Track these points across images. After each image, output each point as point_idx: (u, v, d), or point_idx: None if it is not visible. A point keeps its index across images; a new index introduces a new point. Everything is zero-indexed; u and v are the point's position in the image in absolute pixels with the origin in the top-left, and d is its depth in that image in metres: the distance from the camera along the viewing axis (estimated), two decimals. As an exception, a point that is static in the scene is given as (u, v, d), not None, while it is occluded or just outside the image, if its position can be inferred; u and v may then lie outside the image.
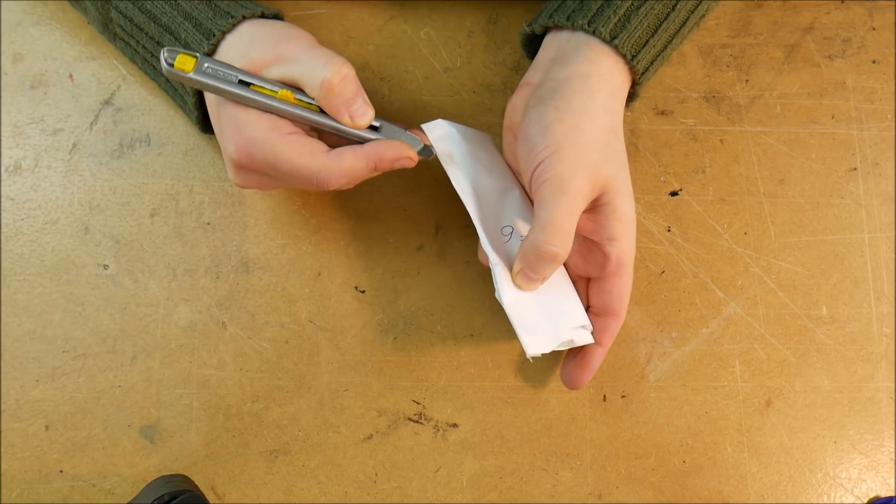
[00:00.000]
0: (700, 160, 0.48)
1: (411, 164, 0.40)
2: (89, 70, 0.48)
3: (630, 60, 0.40)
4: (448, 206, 0.47)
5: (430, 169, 0.47)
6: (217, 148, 0.47)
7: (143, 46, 0.43)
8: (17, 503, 0.43)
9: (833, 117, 0.48)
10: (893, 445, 0.45)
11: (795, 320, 0.46)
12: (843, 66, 0.49)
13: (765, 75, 0.49)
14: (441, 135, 0.42)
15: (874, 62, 0.49)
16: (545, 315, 0.40)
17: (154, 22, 0.40)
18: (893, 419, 0.45)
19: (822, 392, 0.45)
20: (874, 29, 0.50)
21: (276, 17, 0.42)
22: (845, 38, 0.50)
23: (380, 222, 0.46)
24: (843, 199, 0.47)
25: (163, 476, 0.42)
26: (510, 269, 0.40)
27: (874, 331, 0.46)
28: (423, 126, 0.41)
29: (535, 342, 0.39)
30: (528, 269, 0.38)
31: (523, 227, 0.41)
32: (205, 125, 0.44)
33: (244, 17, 0.39)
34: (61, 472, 0.43)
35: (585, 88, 0.39)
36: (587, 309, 0.41)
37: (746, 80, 0.49)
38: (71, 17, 0.48)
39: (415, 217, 0.46)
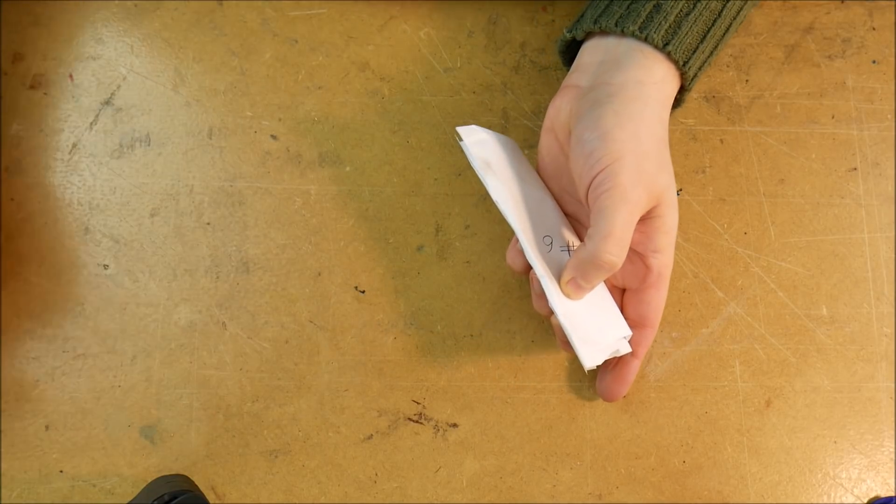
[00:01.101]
0: (700, 160, 0.48)
1: None
2: (89, 70, 0.48)
3: (682, 67, 0.39)
4: (448, 206, 0.47)
5: (430, 169, 0.47)
6: (218, 147, 0.47)
7: None
8: (17, 503, 0.43)
9: (833, 117, 0.48)
10: (893, 445, 0.45)
11: (795, 320, 0.46)
12: (843, 66, 0.49)
13: (765, 75, 0.49)
14: (477, 140, 0.41)
15: (874, 62, 0.49)
16: (595, 325, 0.40)
17: None
18: (893, 419, 0.45)
19: (822, 392, 0.45)
20: (874, 29, 0.50)
21: None
22: (845, 38, 0.50)
23: (380, 222, 0.46)
24: (843, 199, 0.47)
25: (163, 476, 0.42)
26: (556, 278, 0.40)
27: (874, 331, 0.46)
28: (459, 129, 0.41)
29: (592, 353, 0.39)
30: (581, 278, 0.38)
31: (563, 237, 0.41)
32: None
33: None
34: (61, 472, 0.43)
35: (641, 96, 0.38)
36: None
37: (746, 80, 0.49)
38: (71, 17, 0.48)
39: (415, 217, 0.46)
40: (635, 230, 0.39)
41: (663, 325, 0.46)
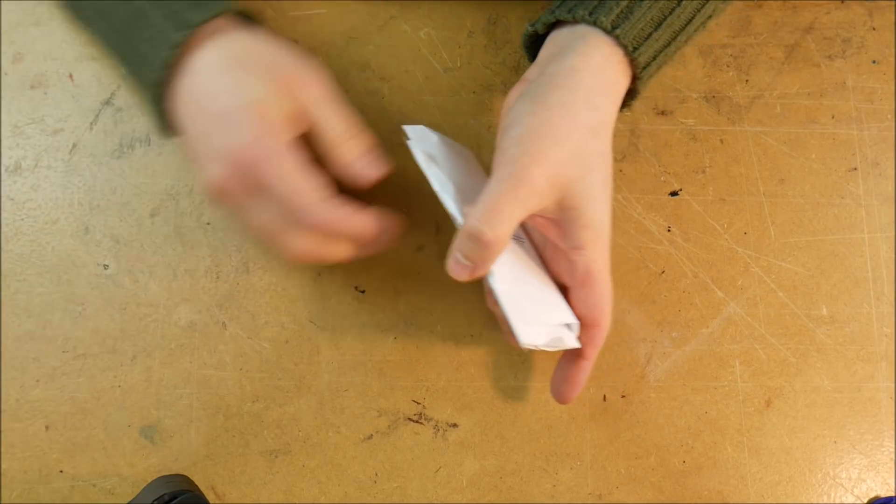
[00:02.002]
0: (700, 160, 0.48)
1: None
2: (89, 70, 0.48)
3: (632, 52, 0.38)
4: (448, 206, 0.47)
5: (430, 169, 0.47)
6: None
7: (113, 30, 0.39)
8: (17, 503, 0.43)
9: (833, 117, 0.48)
10: (893, 445, 0.45)
11: (795, 320, 0.46)
12: (843, 66, 0.49)
13: (765, 75, 0.49)
14: (421, 137, 0.42)
15: (874, 62, 0.49)
16: (536, 308, 0.39)
17: (126, 4, 0.38)
18: (893, 419, 0.45)
19: (822, 392, 0.45)
20: (874, 29, 0.50)
21: (251, 16, 0.41)
22: (845, 38, 0.50)
23: (380, 222, 0.46)
24: (843, 199, 0.47)
25: (163, 476, 0.42)
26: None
27: (874, 331, 0.46)
28: (405, 128, 0.41)
29: (529, 332, 0.38)
30: (459, 252, 0.37)
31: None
32: (161, 124, 0.40)
33: (221, 12, 0.38)
34: (61, 472, 0.43)
35: (569, 83, 0.38)
36: None
37: (746, 80, 0.49)
38: (71, 17, 0.48)
39: (415, 217, 0.46)
40: (551, 224, 0.38)
41: (663, 326, 0.46)
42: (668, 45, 0.40)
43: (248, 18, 0.41)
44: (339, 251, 0.39)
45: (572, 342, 0.40)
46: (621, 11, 0.38)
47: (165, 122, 0.39)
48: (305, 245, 0.38)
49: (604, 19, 0.38)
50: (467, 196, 0.40)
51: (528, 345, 0.38)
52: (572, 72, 0.38)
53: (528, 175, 0.36)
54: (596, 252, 0.38)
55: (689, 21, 0.40)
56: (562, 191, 0.36)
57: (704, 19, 0.41)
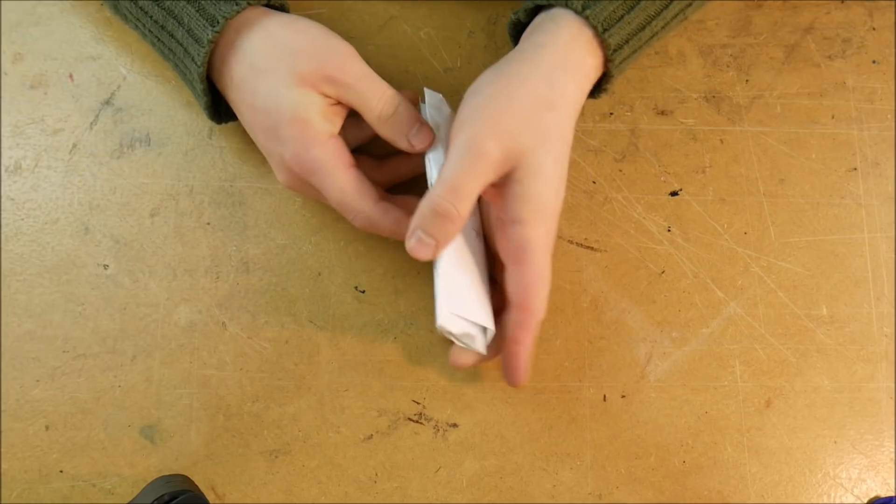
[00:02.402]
0: (700, 160, 0.48)
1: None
2: (89, 70, 0.48)
3: (602, 33, 0.38)
4: (448, 206, 0.46)
5: (430, 169, 0.47)
6: (218, 147, 0.47)
7: (150, 30, 0.42)
8: (17, 503, 0.43)
9: (833, 117, 0.48)
10: (893, 445, 0.45)
11: (795, 320, 0.46)
12: (843, 66, 0.49)
13: (765, 75, 0.49)
14: (436, 105, 0.43)
15: (874, 62, 0.49)
16: (464, 300, 0.40)
17: (157, 4, 0.40)
18: (893, 419, 0.45)
19: (822, 392, 0.45)
20: (874, 29, 0.50)
21: (282, 6, 0.43)
22: (845, 38, 0.50)
23: (380, 222, 0.46)
24: (843, 199, 0.47)
25: (163, 476, 0.42)
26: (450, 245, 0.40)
27: (874, 331, 0.46)
28: (426, 90, 0.43)
29: (448, 318, 0.39)
30: (421, 229, 0.37)
31: (478, 218, 0.42)
32: (215, 112, 0.43)
33: (249, 4, 0.39)
34: (61, 472, 0.43)
35: (533, 57, 0.38)
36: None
37: (746, 80, 0.49)
38: (71, 17, 0.48)
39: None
40: (496, 194, 0.39)
41: (663, 326, 0.46)
42: (641, 28, 0.40)
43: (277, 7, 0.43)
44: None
45: (481, 346, 0.41)
46: None
47: (220, 110, 0.44)
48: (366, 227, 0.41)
49: (576, 1, 0.38)
50: None
51: (443, 329, 0.39)
52: (537, 47, 0.38)
53: (483, 148, 0.36)
54: (534, 229, 0.37)
55: (666, 7, 0.40)
56: (513, 162, 0.37)
57: (683, 7, 0.41)
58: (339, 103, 0.41)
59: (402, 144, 0.41)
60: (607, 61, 0.40)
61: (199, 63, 0.39)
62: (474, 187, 0.36)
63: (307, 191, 0.42)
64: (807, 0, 0.50)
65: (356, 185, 0.40)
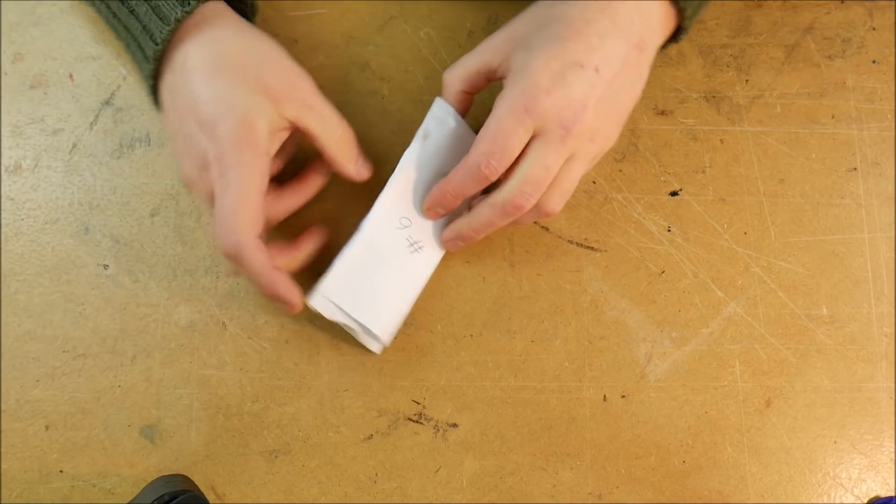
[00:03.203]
0: (700, 160, 0.48)
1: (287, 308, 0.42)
2: (89, 70, 0.48)
3: None
4: (448, 206, 0.46)
5: (430, 169, 0.47)
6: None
7: (108, 5, 0.41)
8: (17, 503, 0.43)
9: (833, 117, 0.48)
10: (893, 445, 0.45)
11: (795, 320, 0.46)
12: (843, 66, 0.49)
13: (765, 75, 0.49)
14: (438, 115, 0.43)
15: (874, 62, 0.49)
16: (361, 293, 0.42)
17: None
18: (893, 419, 0.45)
19: (822, 392, 0.45)
20: (874, 29, 0.50)
21: (253, 4, 0.43)
22: (845, 38, 0.50)
23: (380, 222, 0.46)
24: (843, 199, 0.47)
25: (163, 476, 0.42)
26: (377, 248, 0.42)
27: (874, 331, 0.46)
28: (438, 100, 0.43)
29: (324, 305, 0.42)
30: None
31: (420, 233, 0.43)
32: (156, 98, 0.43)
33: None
34: (61, 472, 0.43)
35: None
36: None
37: (746, 80, 0.49)
38: (71, 17, 0.48)
39: (415, 217, 0.46)
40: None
41: (663, 326, 0.46)
42: None
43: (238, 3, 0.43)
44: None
45: (373, 347, 0.43)
46: None
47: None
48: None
49: None
50: (422, 185, 0.43)
51: (315, 306, 0.41)
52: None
53: (490, 40, 0.41)
54: (504, 93, 0.39)
55: None
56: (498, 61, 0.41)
57: None
58: (284, 129, 0.40)
59: (349, 170, 0.42)
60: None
61: (158, 41, 0.39)
62: (468, 63, 0.42)
63: (199, 191, 0.40)
64: (807, 0, 0.50)
65: (254, 209, 0.38)
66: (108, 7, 0.41)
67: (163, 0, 0.39)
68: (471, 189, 0.41)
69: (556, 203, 0.41)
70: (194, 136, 0.39)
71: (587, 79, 0.38)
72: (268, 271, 0.39)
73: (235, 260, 0.38)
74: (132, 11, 0.40)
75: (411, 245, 0.43)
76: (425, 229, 0.44)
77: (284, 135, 0.41)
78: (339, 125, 0.42)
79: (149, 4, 0.39)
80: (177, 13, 0.38)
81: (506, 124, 0.39)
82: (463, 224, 0.42)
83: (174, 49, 0.39)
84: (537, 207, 0.41)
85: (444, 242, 0.44)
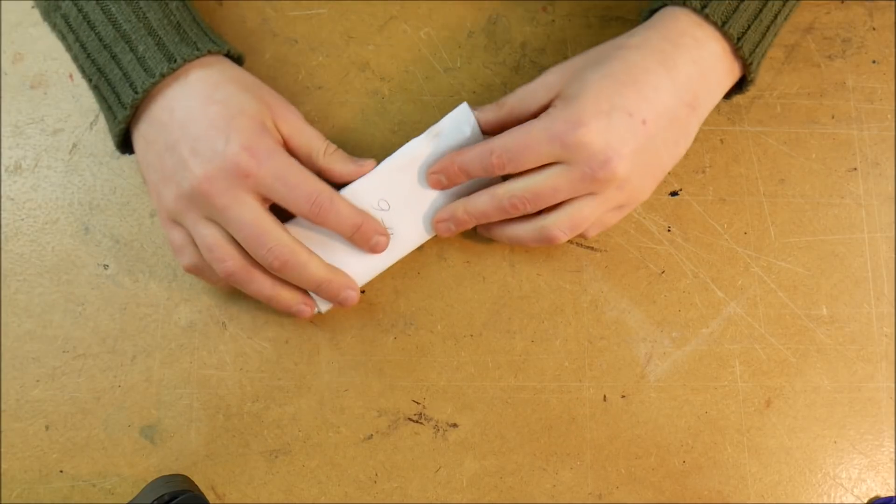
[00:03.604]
0: (700, 160, 0.48)
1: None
2: (89, 70, 0.48)
3: (721, 27, 0.39)
4: (448, 206, 0.46)
5: (430, 169, 0.47)
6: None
7: (83, 44, 0.40)
8: (17, 503, 0.43)
9: (833, 117, 0.48)
10: (893, 445, 0.45)
11: (795, 320, 0.46)
12: (843, 66, 0.49)
13: (765, 75, 0.49)
14: (457, 119, 0.43)
15: (874, 62, 0.49)
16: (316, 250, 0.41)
17: (112, 25, 0.39)
18: (893, 419, 0.45)
19: (822, 392, 0.45)
20: (874, 29, 0.50)
21: (239, 57, 0.43)
22: (845, 38, 0.50)
23: (380, 222, 0.46)
24: (843, 199, 0.47)
25: (163, 476, 0.42)
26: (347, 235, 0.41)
27: (874, 331, 0.46)
28: (464, 103, 0.43)
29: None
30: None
31: (397, 216, 0.43)
32: (123, 146, 0.42)
33: (209, 52, 0.40)
34: (61, 472, 0.43)
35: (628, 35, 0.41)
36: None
37: (746, 80, 0.49)
38: (71, 17, 0.48)
39: (415, 217, 0.46)
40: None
41: (663, 326, 0.46)
42: (760, 12, 0.40)
43: (234, 58, 0.43)
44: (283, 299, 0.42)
45: (322, 307, 0.43)
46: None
47: (126, 140, 0.42)
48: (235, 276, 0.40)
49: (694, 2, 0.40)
50: (409, 178, 0.43)
51: None
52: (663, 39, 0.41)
53: (546, 76, 0.42)
54: (548, 113, 0.39)
55: None
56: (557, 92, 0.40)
57: None
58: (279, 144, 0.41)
59: (348, 168, 0.42)
60: (737, 53, 0.40)
61: (139, 91, 0.38)
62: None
63: (199, 206, 0.39)
64: (807, 0, 0.50)
65: (309, 173, 0.39)
66: (84, 48, 0.40)
67: (149, 52, 0.39)
68: (475, 170, 0.41)
69: (560, 229, 0.41)
70: (205, 140, 0.38)
71: (631, 128, 0.38)
72: (361, 212, 0.41)
73: (325, 213, 0.39)
74: (114, 57, 0.39)
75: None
76: (401, 219, 0.43)
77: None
78: (323, 140, 0.42)
79: (134, 55, 0.39)
80: (162, 68, 0.38)
81: (534, 138, 0.39)
82: (459, 206, 0.42)
83: (167, 83, 0.39)
84: (540, 230, 0.41)
85: (435, 224, 0.43)
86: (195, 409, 0.44)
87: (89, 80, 0.41)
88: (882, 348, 0.46)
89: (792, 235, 0.47)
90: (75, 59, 0.41)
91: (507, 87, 0.48)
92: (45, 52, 0.48)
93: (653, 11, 0.42)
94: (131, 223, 0.46)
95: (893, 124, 0.48)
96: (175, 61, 0.38)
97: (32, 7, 0.48)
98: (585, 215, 0.40)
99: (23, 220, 0.46)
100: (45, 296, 0.45)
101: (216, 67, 0.40)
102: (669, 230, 0.47)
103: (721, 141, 0.48)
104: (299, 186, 0.39)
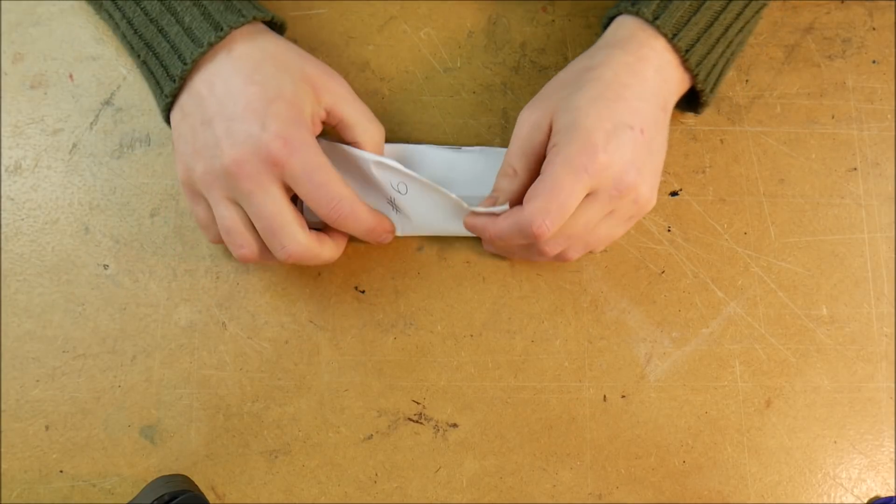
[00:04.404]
0: (700, 160, 0.48)
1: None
2: (89, 70, 0.48)
3: (672, 39, 0.40)
4: (448, 206, 0.46)
5: (430, 169, 0.47)
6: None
7: (130, 20, 0.41)
8: (17, 503, 0.43)
9: (833, 117, 0.48)
10: (893, 445, 0.45)
11: (795, 320, 0.46)
12: (843, 66, 0.49)
13: (765, 75, 0.49)
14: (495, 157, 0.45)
15: (874, 62, 0.49)
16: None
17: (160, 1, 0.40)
18: (893, 419, 0.45)
19: (822, 392, 0.45)
20: (874, 29, 0.50)
21: (282, 24, 0.43)
22: (845, 38, 0.50)
23: (380, 222, 0.46)
24: (843, 199, 0.47)
25: (163, 476, 0.42)
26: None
27: (874, 331, 0.46)
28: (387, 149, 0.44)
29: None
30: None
31: (407, 204, 0.43)
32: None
33: (254, 18, 0.40)
34: (61, 472, 0.43)
35: (592, 52, 0.42)
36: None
37: (746, 80, 0.49)
38: (71, 17, 0.48)
39: (415, 217, 0.46)
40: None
41: (663, 326, 0.46)
42: (709, 25, 0.41)
43: (276, 26, 0.43)
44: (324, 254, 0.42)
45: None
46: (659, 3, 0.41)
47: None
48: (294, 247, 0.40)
49: (646, 10, 0.41)
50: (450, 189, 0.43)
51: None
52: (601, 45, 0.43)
53: (527, 113, 0.42)
54: (558, 150, 0.39)
55: (725, 8, 0.41)
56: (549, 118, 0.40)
57: (755, 12, 0.42)
58: (320, 120, 0.41)
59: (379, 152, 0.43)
60: (685, 62, 0.41)
61: (188, 62, 0.39)
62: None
63: (225, 186, 0.39)
64: (807, 0, 0.50)
65: (336, 174, 0.39)
66: (131, 24, 0.41)
67: (196, 23, 0.39)
68: (516, 240, 0.40)
69: (577, 252, 0.43)
70: (240, 121, 0.38)
71: (634, 140, 0.39)
72: (376, 214, 0.42)
73: (343, 221, 0.40)
74: (161, 30, 0.40)
75: (389, 203, 0.44)
76: (411, 209, 0.43)
77: (319, 128, 0.41)
78: (374, 120, 0.43)
79: (181, 26, 0.39)
80: (210, 37, 0.39)
81: (565, 182, 0.38)
82: (489, 228, 0.42)
83: (213, 54, 0.40)
84: (556, 257, 0.43)
85: (465, 223, 0.43)
86: (195, 409, 0.44)
87: (137, 57, 0.41)
88: (882, 348, 0.46)
89: (792, 235, 0.47)
90: (123, 37, 0.42)
91: (507, 87, 0.48)
92: (45, 52, 0.48)
93: (610, 19, 0.43)
94: (131, 223, 0.46)
95: (893, 124, 0.48)
96: (222, 29, 0.39)
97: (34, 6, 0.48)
98: (601, 235, 0.42)
99: (23, 220, 0.46)
100: (45, 296, 0.45)
101: (259, 42, 0.40)
102: (669, 230, 0.47)
103: (721, 141, 0.48)
104: (324, 187, 0.39)
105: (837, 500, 0.44)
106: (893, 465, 0.45)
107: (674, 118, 0.48)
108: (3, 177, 0.46)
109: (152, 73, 0.41)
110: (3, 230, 0.45)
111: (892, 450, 0.45)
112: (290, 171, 0.38)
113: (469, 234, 0.44)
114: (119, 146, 0.47)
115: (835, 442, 0.45)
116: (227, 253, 0.46)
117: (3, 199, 0.46)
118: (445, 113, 0.48)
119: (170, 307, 0.45)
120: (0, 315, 0.44)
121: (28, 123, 0.47)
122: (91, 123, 0.47)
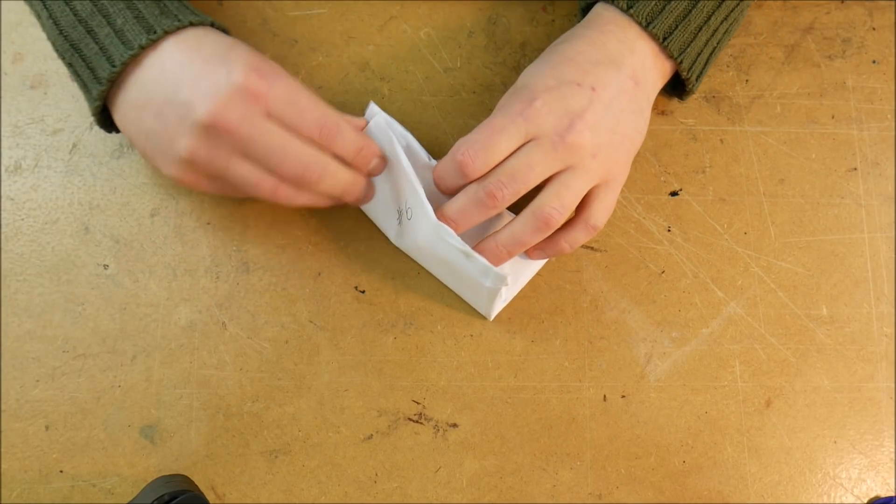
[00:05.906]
0: (700, 160, 0.48)
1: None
2: (89, 70, 0.48)
3: (646, 27, 0.40)
4: (448, 206, 0.46)
5: (430, 169, 0.47)
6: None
7: (57, 22, 0.39)
8: (17, 503, 0.43)
9: (833, 117, 0.48)
10: (893, 445, 0.45)
11: (795, 320, 0.46)
12: (843, 66, 0.49)
13: (765, 75, 0.49)
14: (381, 127, 0.43)
15: (874, 62, 0.49)
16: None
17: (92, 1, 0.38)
18: (893, 419, 0.45)
19: (822, 392, 0.45)
20: (874, 29, 0.50)
21: (223, 30, 0.42)
22: (845, 38, 0.50)
23: (380, 222, 0.46)
24: (843, 199, 0.47)
25: (163, 476, 0.42)
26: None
27: (874, 331, 0.46)
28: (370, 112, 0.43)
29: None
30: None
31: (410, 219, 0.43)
32: (102, 119, 0.41)
33: (191, 24, 0.39)
34: (61, 472, 0.43)
35: (568, 36, 0.43)
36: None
37: (746, 80, 0.49)
38: (71, 17, 0.48)
39: (415, 217, 0.46)
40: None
41: (663, 326, 0.46)
42: (687, 13, 0.41)
43: (218, 28, 0.42)
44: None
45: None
46: None
47: (108, 117, 0.41)
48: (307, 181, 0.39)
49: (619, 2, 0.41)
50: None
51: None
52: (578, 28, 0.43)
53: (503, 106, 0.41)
54: (501, 104, 0.40)
55: None
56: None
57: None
58: None
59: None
60: (664, 49, 0.41)
61: (116, 64, 0.38)
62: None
63: (219, 147, 0.37)
64: (807, 0, 0.50)
65: (317, 96, 0.39)
66: (58, 25, 0.39)
67: (128, 25, 0.38)
68: (452, 179, 0.40)
69: (551, 206, 0.39)
70: (205, 72, 0.37)
71: (584, 95, 0.39)
72: (363, 136, 0.41)
73: (333, 138, 0.39)
74: (90, 32, 0.38)
75: (398, 216, 0.44)
76: (412, 234, 0.43)
77: None
78: (320, 112, 0.40)
79: (111, 28, 0.38)
80: (141, 39, 0.38)
81: (496, 120, 0.39)
82: (442, 212, 0.41)
83: (146, 55, 0.38)
84: (533, 214, 0.40)
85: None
86: (195, 409, 0.44)
87: (62, 58, 0.40)
88: (882, 348, 0.46)
89: (792, 235, 0.47)
90: (48, 35, 0.40)
91: (507, 87, 0.48)
92: (45, 52, 0.48)
93: (586, 11, 0.44)
94: (131, 223, 0.46)
95: (893, 124, 0.48)
96: (155, 32, 0.38)
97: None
98: (571, 187, 0.40)
99: (23, 220, 0.46)
100: (45, 296, 0.45)
101: (198, 35, 0.39)
102: (669, 230, 0.47)
103: (721, 141, 0.48)
104: (309, 110, 0.38)
105: (837, 500, 0.44)
106: (893, 465, 0.45)
107: (674, 118, 0.48)
108: (3, 177, 0.46)
109: (79, 75, 0.40)
110: (3, 230, 0.45)
111: (892, 450, 0.45)
112: (273, 101, 0.37)
113: (459, 294, 0.45)
114: (119, 146, 0.47)
115: (835, 442, 0.45)
116: (227, 253, 0.46)
117: (3, 199, 0.46)
118: (445, 113, 0.48)
119: (170, 307, 0.45)
120: (0, 315, 0.44)
121: (28, 123, 0.47)
122: (91, 123, 0.47)
